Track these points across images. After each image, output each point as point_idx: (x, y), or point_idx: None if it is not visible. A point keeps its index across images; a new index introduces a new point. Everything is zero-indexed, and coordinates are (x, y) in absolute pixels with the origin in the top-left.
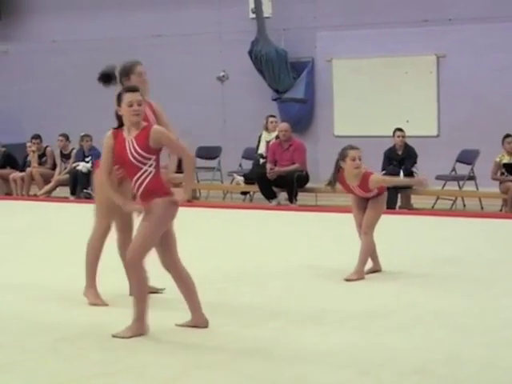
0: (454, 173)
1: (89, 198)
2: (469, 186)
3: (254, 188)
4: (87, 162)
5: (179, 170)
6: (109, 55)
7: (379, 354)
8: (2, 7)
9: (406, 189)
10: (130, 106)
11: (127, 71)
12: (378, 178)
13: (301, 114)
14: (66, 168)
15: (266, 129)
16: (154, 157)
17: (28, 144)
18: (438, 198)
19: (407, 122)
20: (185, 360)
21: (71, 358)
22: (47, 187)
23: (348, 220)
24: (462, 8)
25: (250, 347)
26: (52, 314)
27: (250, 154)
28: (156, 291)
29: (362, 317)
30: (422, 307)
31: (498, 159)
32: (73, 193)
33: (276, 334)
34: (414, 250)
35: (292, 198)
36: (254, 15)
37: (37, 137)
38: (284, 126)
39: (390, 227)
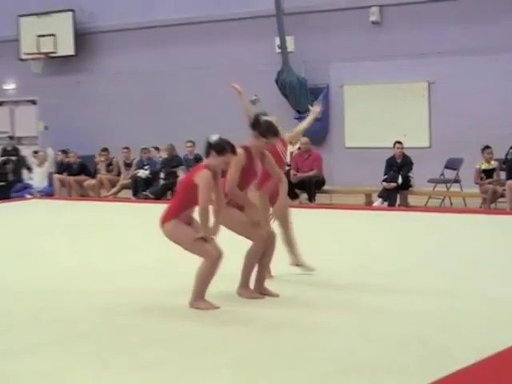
0: (442, 177)
1: (146, 198)
2: (455, 188)
3: None
4: (145, 170)
5: None
6: (162, 83)
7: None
8: (77, 46)
9: (404, 190)
10: None
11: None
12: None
13: (318, 130)
14: (128, 174)
15: (290, 142)
16: None
17: (97, 155)
18: (429, 197)
19: (405, 135)
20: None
21: (129, 328)
22: (113, 190)
23: (356, 215)
24: (448, 44)
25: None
26: (121, 292)
27: None
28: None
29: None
30: (420, 286)
31: (478, 166)
32: (134, 194)
33: (291, 312)
34: (410, 238)
35: (311, 198)
36: (279, 50)
37: (105, 150)
38: (304, 139)
39: (392, 221)
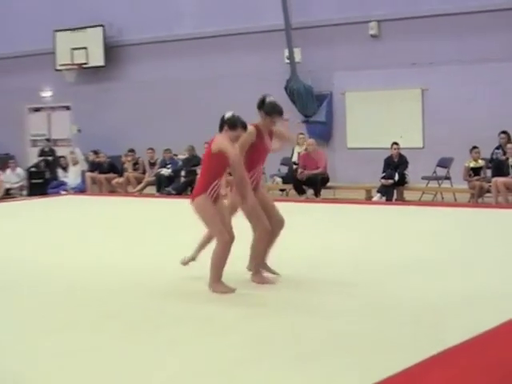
0: (435, 174)
1: (169, 194)
2: (446, 184)
3: (288, 186)
4: (168, 168)
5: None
6: (182, 91)
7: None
8: (107, 58)
9: (400, 186)
10: None
11: (234, 127)
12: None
13: (322, 132)
14: (152, 173)
15: (298, 143)
16: None
17: (124, 156)
18: (423, 193)
19: (401, 137)
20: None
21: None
22: (139, 187)
23: (357, 208)
24: (440, 55)
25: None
26: (152, 276)
27: (286, 161)
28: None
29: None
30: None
31: (466, 164)
32: (158, 190)
33: (305, 296)
34: (406, 228)
35: (317, 193)
36: (288, 61)
37: (131, 150)
38: (311, 141)
39: (389, 214)
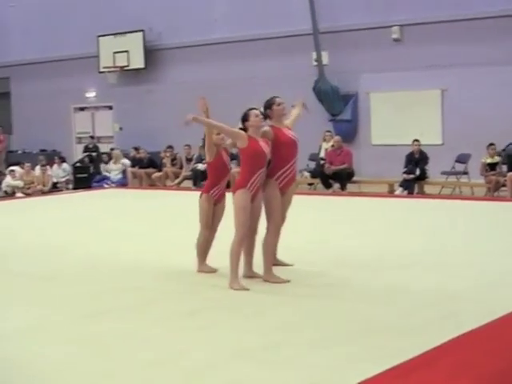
0: (453, 169)
1: None
2: (464, 179)
3: (316, 181)
4: (203, 164)
5: None
6: (217, 91)
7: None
8: (147, 60)
9: (420, 180)
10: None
11: (269, 104)
12: None
13: (348, 130)
14: (189, 167)
15: (325, 140)
16: None
17: (163, 152)
18: (442, 187)
19: (421, 134)
20: (267, 300)
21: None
22: (177, 181)
23: (380, 201)
24: (458, 57)
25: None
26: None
27: (314, 157)
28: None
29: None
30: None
31: (483, 160)
32: (194, 184)
33: (326, 284)
34: (425, 220)
35: (343, 187)
36: (316, 63)
37: (170, 147)
38: (337, 138)
39: (410, 206)
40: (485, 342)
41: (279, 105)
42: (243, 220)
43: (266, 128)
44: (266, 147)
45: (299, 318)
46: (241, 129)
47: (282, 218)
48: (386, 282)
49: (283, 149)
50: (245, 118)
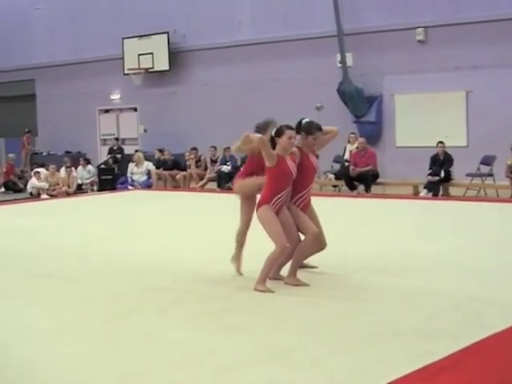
0: (478, 171)
1: (230, 189)
2: (489, 181)
3: (341, 182)
4: (228, 166)
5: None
6: (243, 93)
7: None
8: (171, 62)
9: (445, 182)
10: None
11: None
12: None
13: (373, 132)
14: (214, 169)
15: (349, 142)
16: None
17: (187, 153)
18: (467, 189)
19: (446, 136)
20: (291, 301)
21: (209, 298)
22: (201, 182)
23: (405, 203)
24: (482, 59)
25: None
26: (221, 269)
27: (338, 159)
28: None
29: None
30: (456, 263)
31: (508, 162)
32: (218, 186)
33: (352, 287)
34: (451, 222)
35: (368, 189)
36: (340, 65)
37: (194, 148)
38: (361, 140)
39: (437, 208)
40: (510, 344)
41: (315, 139)
42: (277, 230)
43: (295, 149)
44: (293, 166)
45: (325, 320)
46: (271, 140)
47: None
48: (411, 284)
49: (304, 174)
50: (278, 134)
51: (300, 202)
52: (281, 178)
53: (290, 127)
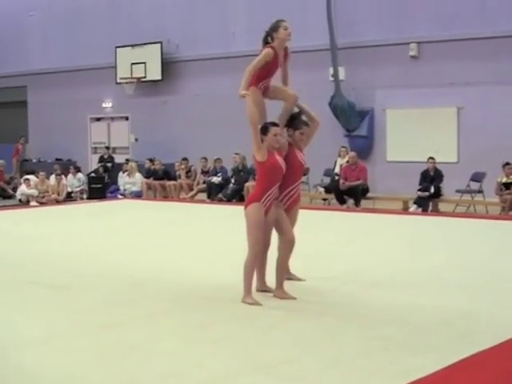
0: (468, 188)
1: (220, 200)
2: (478, 197)
3: (331, 196)
4: (218, 177)
5: None
6: (235, 104)
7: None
8: (164, 72)
9: (435, 198)
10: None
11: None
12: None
13: (364, 146)
14: (204, 180)
15: (340, 155)
16: None
17: (178, 163)
18: (457, 205)
19: (437, 152)
20: (279, 315)
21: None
22: (191, 193)
23: (395, 218)
24: (474, 75)
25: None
26: (203, 277)
27: (329, 172)
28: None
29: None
30: (447, 281)
31: (499, 179)
32: (208, 197)
33: (340, 301)
34: (439, 238)
35: (357, 203)
36: (332, 79)
37: (184, 159)
38: (352, 154)
39: (426, 223)
40: (499, 361)
41: (302, 134)
42: (257, 236)
43: (284, 141)
44: (282, 161)
45: (314, 334)
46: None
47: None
48: (401, 299)
49: (291, 170)
50: (263, 132)
51: (288, 199)
52: (272, 173)
53: (275, 124)
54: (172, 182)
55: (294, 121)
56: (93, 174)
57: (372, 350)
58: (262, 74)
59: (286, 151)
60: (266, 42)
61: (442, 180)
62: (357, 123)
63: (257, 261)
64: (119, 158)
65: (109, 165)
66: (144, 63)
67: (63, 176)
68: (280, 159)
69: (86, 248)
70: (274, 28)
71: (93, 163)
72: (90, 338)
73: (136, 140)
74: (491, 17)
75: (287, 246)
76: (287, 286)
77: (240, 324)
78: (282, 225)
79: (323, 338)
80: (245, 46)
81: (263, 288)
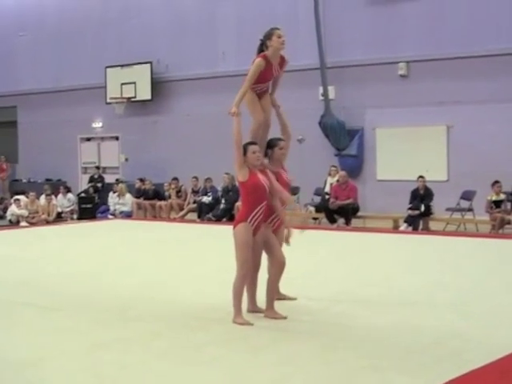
0: (458, 206)
1: (210, 220)
2: (469, 216)
3: (321, 215)
4: (208, 196)
5: None
6: (225, 124)
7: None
8: (154, 92)
9: (425, 217)
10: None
11: (244, 151)
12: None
13: (354, 165)
14: (194, 200)
15: (330, 174)
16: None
17: (167, 183)
18: (447, 224)
19: (427, 171)
20: (270, 335)
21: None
22: (181, 213)
23: (385, 237)
24: (464, 94)
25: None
26: (187, 298)
27: (319, 191)
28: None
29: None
30: (439, 299)
31: (489, 197)
32: (199, 217)
33: (331, 322)
34: (430, 256)
35: (348, 222)
36: (322, 98)
37: (175, 179)
38: (342, 173)
39: (417, 242)
40: (490, 381)
41: (281, 148)
42: (245, 257)
43: (266, 161)
44: (265, 180)
45: (304, 354)
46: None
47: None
48: (391, 319)
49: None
50: (243, 152)
51: (276, 220)
52: (255, 192)
53: (252, 143)
54: (163, 203)
55: (270, 143)
56: (83, 194)
57: (362, 370)
58: (255, 81)
59: (270, 170)
60: (260, 50)
61: (432, 198)
62: (347, 142)
63: (245, 280)
64: (109, 178)
65: (99, 185)
66: (134, 83)
67: (53, 196)
68: (263, 178)
69: (77, 268)
70: (268, 36)
71: (83, 183)
72: (82, 359)
73: (126, 160)
74: (480, 36)
75: (278, 267)
76: (278, 305)
77: (231, 344)
78: (272, 247)
79: (314, 358)
80: (234, 65)
81: (254, 309)
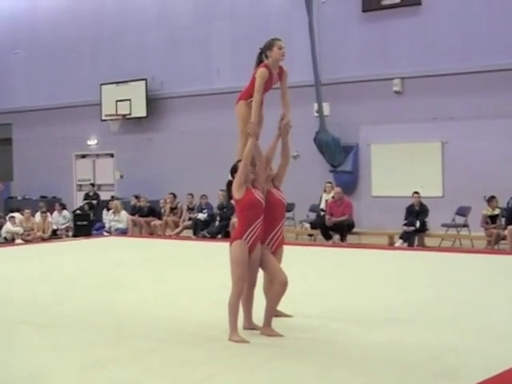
0: (453, 222)
1: (205, 237)
2: (464, 231)
3: (316, 232)
4: (204, 213)
5: None
6: (220, 141)
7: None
8: (149, 109)
9: (421, 233)
10: None
11: (234, 170)
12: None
13: (349, 181)
14: (189, 217)
15: (325, 191)
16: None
17: (163, 200)
18: (442, 239)
19: (422, 187)
20: (266, 352)
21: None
22: (177, 230)
23: (380, 253)
24: (458, 110)
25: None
26: (185, 315)
27: (314, 208)
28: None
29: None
30: (433, 313)
31: (484, 213)
32: (194, 233)
33: (327, 339)
34: (426, 273)
35: (343, 238)
36: (317, 114)
37: (172, 193)
38: (337, 189)
39: (412, 258)
40: None
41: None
42: (240, 274)
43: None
44: (261, 195)
45: (301, 371)
46: (230, 182)
47: None
48: (388, 335)
49: (273, 211)
50: (233, 170)
51: (274, 241)
52: (251, 209)
53: (240, 160)
54: (158, 222)
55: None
56: (78, 212)
57: None
58: (253, 92)
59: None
60: (260, 60)
61: (428, 214)
62: (342, 158)
63: (240, 298)
64: (104, 195)
65: (94, 202)
66: (129, 100)
67: (48, 213)
68: (258, 193)
69: (73, 285)
70: (269, 46)
71: (78, 200)
72: (78, 377)
73: (121, 177)
74: (474, 52)
75: (280, 288)
76: (274, 322)
77: (227, 362)
78: (273, 269)
79: (310, 376)
80: (229, 82)
81: (250, 326)
